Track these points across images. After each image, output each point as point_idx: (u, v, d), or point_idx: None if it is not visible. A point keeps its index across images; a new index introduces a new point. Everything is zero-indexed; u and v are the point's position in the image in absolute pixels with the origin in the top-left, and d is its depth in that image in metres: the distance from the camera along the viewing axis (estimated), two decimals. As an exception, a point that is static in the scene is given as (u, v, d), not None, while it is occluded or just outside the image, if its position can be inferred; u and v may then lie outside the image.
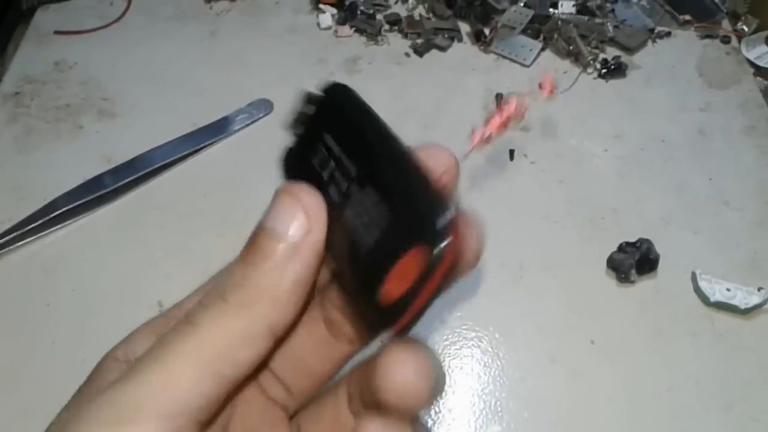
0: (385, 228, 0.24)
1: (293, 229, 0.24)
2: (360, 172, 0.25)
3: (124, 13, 0.78)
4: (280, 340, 0.25)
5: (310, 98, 0.28)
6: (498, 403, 0.50)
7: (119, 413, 0.22)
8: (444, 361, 0.53)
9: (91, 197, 0.60)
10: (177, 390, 0.22)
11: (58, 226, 0.59)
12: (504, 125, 0.28)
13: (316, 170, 0.27)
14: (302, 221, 0.24)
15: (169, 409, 0.22)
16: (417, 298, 0.22)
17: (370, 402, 0.25)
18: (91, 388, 0.25)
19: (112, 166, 0.63)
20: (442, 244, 0.21)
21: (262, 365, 0.28)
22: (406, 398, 0.23)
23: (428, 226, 0.22)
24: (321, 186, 0.26)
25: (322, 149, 0.27)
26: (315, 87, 0.26)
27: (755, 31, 0.80)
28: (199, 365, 0.23)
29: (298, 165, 0.29)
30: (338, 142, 0.27)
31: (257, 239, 0.24)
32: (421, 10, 0.80)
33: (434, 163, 0.26)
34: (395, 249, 0.23)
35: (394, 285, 0.23)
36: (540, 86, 0.32)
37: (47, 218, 0.58)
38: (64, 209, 0.59)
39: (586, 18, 0.78)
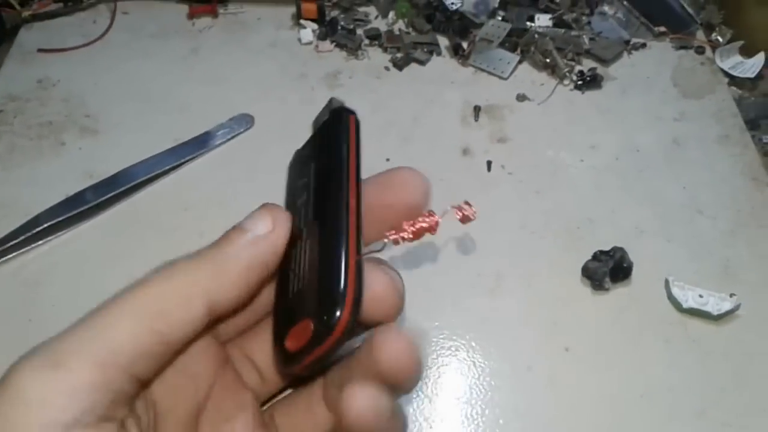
0: (301, 289, 0.28)
1: (258, 228, 0.28)
2: (311, 222, 0.30)
3: (107, 31, 0.79)
4: (222, 315, 0.28)
5: (329, 107, 0.31)
6: (474, 411, 0.51)
7: (55, 358, 0.24)
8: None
9: (73, 213, 0.61)
10: (111, 338, 0.24)
11: (41, 241, 0.60)
12: (417, 236, 0.31)
13: (298, 191, 0.32)
14: (267, 223, 0.28)
15: (102, 356, 0.24)
16: (310, 354, 0.27)
17: (365, 375, 0.27)
18: None
19: (95, 181, 0.63)
20: (331, 321, 0.26)
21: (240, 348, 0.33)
22: (399, 366, 0.27)
23: (322, 307, 0.26)
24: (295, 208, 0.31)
25: (307, 175, 0.31)
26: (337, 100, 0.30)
27: (729, 42, 0.81)
28: (135, 318, 0.25)
29: (296, 171, 0.33)
30: (315, 177, 0.31)
31: (228, 232, 0.29)
32: (400, 25, 0.81)
33: (404, 187, 0.32)
34: (295, 315, 0.28)
35: (293, 340, 0.27)
36: (458, 210, 0.33)
37: (29, 234, 0.59)
38: (47, 225, 0.59)
39: (563, 31, 0.79)
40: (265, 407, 0.33)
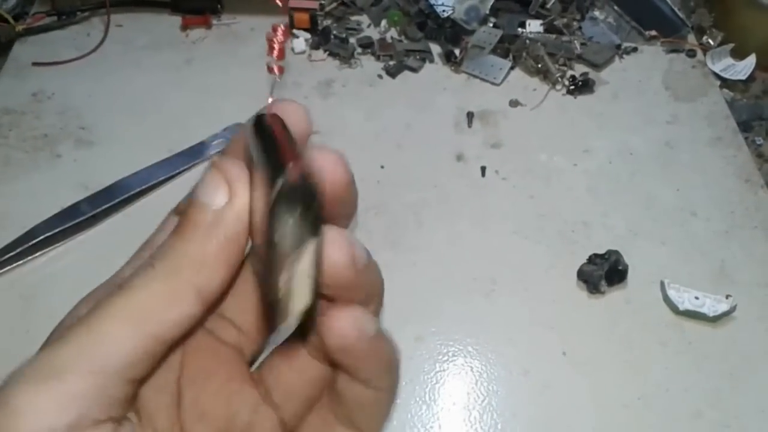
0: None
1: (217, 199, 0.26)
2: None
3: (100, 44, 0.79)
4: (214, 301, 0.27)
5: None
6: (472, 416, 0.51)
7: (48, 371, 0.24)
8: (419, 375, 0.53)
9: (69, 225, 0.61)
10: (104, 347, 0.24)
11: (37, 253, 0.60)
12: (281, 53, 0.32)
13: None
14: (224, 191, 0.26)
15: (96, 365, 0.24)
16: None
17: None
18: None
19: (90, 193, 0.63)
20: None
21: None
22: (336, 270, 0.24)
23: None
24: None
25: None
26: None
27: (720, 45, 0.82)
28: (126, 325, 0.24)
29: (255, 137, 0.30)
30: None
31: (187, 210, 0.26)
32: (393, 33, 0.81)
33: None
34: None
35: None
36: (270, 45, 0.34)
37: (26, 246, 0.59)
38: (43, 237, 0.60)
39: (554, 36, 0.80)
40: (253, 368, 0.33)
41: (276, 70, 0.34)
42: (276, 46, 0.33)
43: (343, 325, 0.24)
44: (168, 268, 0.25)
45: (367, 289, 0.26)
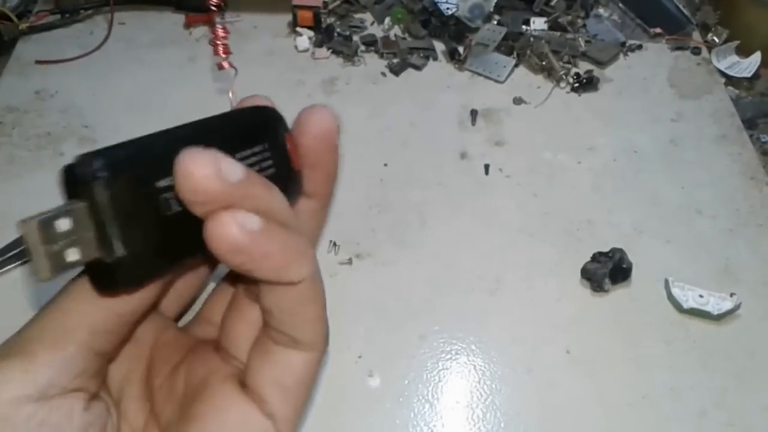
0: None
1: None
2: None
3: (104, 42, 0.79)
4: (172, 282, 0.31)
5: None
6: (475, 414, 0.51)
7: (15, 346, 0.26)
8: (422, 374, 0.53)
9: (71, 223, 0.61)
10: (66, 320, 0.27)
11: (41, 252, 0.60)
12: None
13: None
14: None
15: (59, 336, 0.26)
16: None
17: None
18: None
19: (93, 192, 0.63)
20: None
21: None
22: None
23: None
24: None
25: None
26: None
27: (725, 42, 0.81)
28: (87, 300, 0.26)
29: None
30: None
31: None
32: (396, 31, 0.81)
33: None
34: None
35: None
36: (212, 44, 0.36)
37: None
38: (45, 236, 0.60)
39: (558, 34, 0.79)
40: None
41: (226, 65, 0.36)
42: (219, 44, 0.36)
43: (217, 224, 0.23)
44: None
45: (252, 201, 0.24)
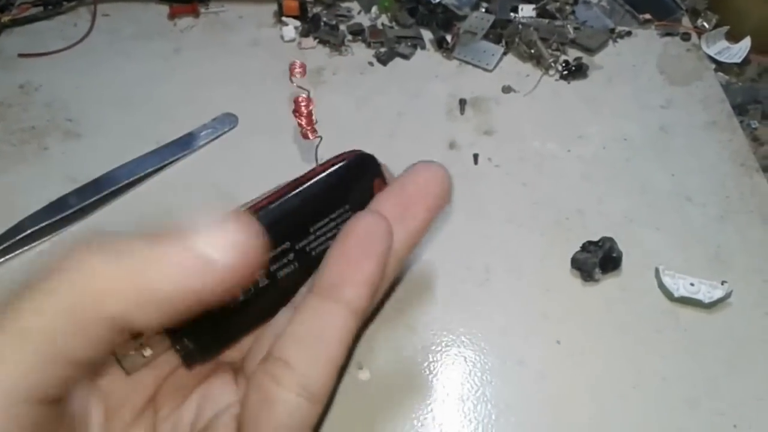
0: None
1: (218, 253, 0.22)
2: None
3: (87, 34, 0.78)
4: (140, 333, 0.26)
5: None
6: (466, 406, 0.51)
7: None
8: (411, 366, 0.53)
9: (57, 218, 0.60)
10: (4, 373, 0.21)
11: (26, 247, 0.59)
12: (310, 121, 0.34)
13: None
14: (231, 252, 0.22)
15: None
16: None
17: None
18: None
19: (78, 186, 0.63)
20: None
21: None
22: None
23: None
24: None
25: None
26: None
27: (715, 27, 0.81)
28: (29, 348, 0.21)
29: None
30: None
31: (171, 238, 0.23)
32: (383, 20, 0.80)
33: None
34: None
35: None
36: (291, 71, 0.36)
37: (13, 240, 0.58)
38: (31, 231, 0.59)
39: (547, 21, 0.79)
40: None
41: (311, 136, 0.36)
42: (304, 112, 0.37)
43: None
44: (105, 271, 0.21)
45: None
